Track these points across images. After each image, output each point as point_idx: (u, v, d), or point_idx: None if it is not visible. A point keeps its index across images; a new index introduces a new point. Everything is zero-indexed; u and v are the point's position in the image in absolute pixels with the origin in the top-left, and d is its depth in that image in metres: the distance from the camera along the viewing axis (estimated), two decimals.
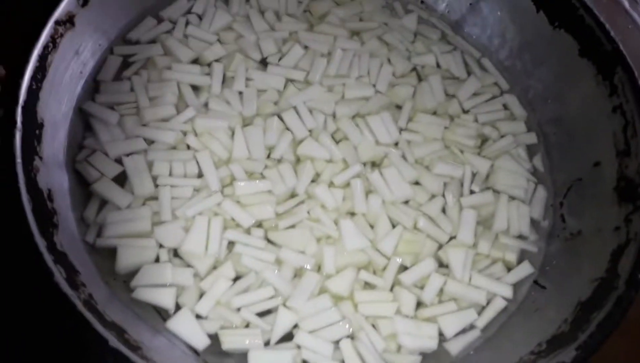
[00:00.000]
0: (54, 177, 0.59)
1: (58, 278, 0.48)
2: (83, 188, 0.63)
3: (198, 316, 0.58)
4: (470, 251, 0.67)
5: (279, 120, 0.71)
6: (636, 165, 0.64)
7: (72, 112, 0.66)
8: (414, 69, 0.81)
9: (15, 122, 0.55)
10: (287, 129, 0.71)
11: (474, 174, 0.73)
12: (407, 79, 0.80)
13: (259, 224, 0.66)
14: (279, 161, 0.70)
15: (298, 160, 0.71)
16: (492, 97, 0.81)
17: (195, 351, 0.56)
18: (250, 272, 0.62)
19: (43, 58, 0.61)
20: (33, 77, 0.59)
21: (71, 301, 0.48)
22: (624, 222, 0.62)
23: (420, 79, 0.81)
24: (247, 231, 0.64)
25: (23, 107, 0.57)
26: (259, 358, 0.57)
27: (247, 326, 0.59)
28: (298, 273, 0.63)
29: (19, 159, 0.53)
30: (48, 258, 0.49)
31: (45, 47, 0.61)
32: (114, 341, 0.47)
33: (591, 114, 0.73)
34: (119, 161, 0.65)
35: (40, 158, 0.57)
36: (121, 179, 0.64)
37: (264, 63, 0.77)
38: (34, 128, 0.58)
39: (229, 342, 0.57)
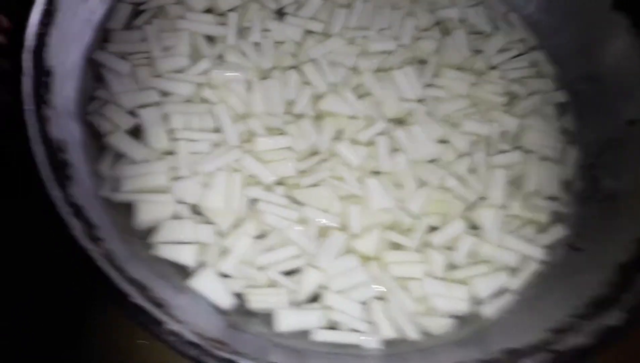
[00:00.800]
0: (65, 128, 0.55)
1: (76, 230, 0.45)
2: (96, 141, 0.59)
3: (221, 275, 0.55)
4: (501, 212, 0.64)
5: (298, 73, 0.68)
6: None
7: (82, 62, 0.62)
8: (438, 22, 0.77)
9: (23, 68, 0.51)
10: (307, 83, 0.68)
11: (502, 133, 0.70)
12: (431, 33, 0.76)
13: (280, 182, 0.62)
14: (299, 116, 0.66)
15: (319, 116, 0.67)
16: (519, 53, 0.77)
17: (220, 310, 0.54)
18: (273, 230, 0.58)
19: (49, 2, 0.56)
20: (40, 22, 0.55)
21: (89, 256, 0.44)
22: None
23: (444, 33, 0.77)
24: (268, 189, 0.61)
25: (30, 53, 0.53)
26: (286, 318, 0.54)
27: (272, 285, 0.56)
28: (322, 233, 0.60)
29: (29, 107, 0.50)
30: (65, 211, 0.46)
31: None
32: (136, 297, 0.44)
33: (625, 70, 0.69)
34: (132, 113, 0.61)
35: (51, 107, 0.53)
36: (135, 132, 0.60)
37: (280, 13, 0.73)
38: (42, 75, 0.54)
39: (255, 301, 0.54)
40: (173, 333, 0.42)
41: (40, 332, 0.57)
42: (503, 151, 0.69)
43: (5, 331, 0.55)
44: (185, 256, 0.55)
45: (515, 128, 0.71)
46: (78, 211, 0.48)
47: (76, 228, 0.45)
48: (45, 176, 0.47)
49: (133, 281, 0.46)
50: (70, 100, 0.59)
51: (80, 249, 0.45)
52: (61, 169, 0.51)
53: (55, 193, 0.47)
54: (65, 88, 0.58)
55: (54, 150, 0.51)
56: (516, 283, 0.62)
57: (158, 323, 0.43)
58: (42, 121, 0.51)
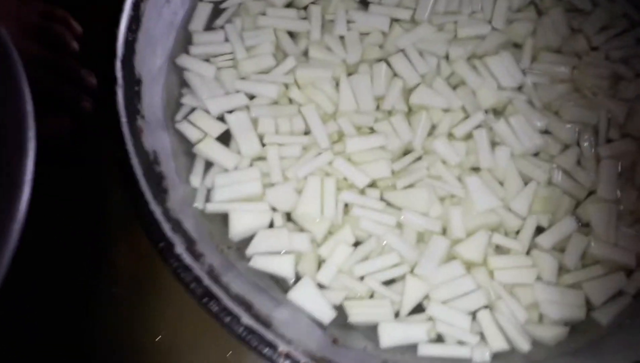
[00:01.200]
0: (157, 138, 0.54)
1: (179, 248, 0.44)
2: (185, 149, 0.58)
3: (319, 286, 0.53)
4: (614, 207, 0.59)
5: (386, 66, 0.64)
6: None
7: (166, 67, 0.61)
8: (532, 2, 0.71)
9: (115, 78, 0.50)
10: (396, 75, 0.64)
11: (609, 120, 0.64)
12: (526, 14, 0.70)
13: (373, 184, 0.59)
14: (390, 112, 0.63)
15: (411, 110, 0.63)
16: (623, 30, 0.70)
17: (320, 324, 0.51)
18: (370, 237, 0.56)
19: (136, 6, 0.55)
20: (129, 28, 0.53)
21: (196, 275, 0.43)
22: None
23: (539, 13, 0.70)
24: (362, 192, 0.58)
25: (122, 61, 0.52)
26: (390, 331, 0.51)
27: (372, 296, 0.54)
28: (422, 238, 0.57)
29: (124, 119, 0.49)
30: (166, 227, 0.45)
31: None
32: (246, 317, 0.42)
33: None
34: (220, 118, 0.59)
35: (143, 117, 0.52)
36: (225, 139, 0.59)
37: (364, 2, 0.69)
38: (133, 84, 0.53)
39: (356, 314, 0.52)
40: (288, 355, 0.40)
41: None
42: (611, 140, 0.63)
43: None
44: (282, 267, 0.53)
45: (623, 114, 0.64)
46: (178, 227, 0.47)
47: (180, 245, 0.44)
48: (145, 191, 0.46)
49: (238, 299, 0.44)
50: (158, 108, 0.58)
51: (183, 268, 0.43)
52: (158, 182, 0.49)
53: (155, 208, 0.46)
54: (154, 95, 0.57)
55: (150, 163, 0.50)
56: (633, 285, 0.56)
57: (271, 346, 0.41)
58: (136, 132, 0.50)
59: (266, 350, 0.41)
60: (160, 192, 0.49)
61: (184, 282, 0.43)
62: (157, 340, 0.57)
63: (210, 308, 0.42)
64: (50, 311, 0.57)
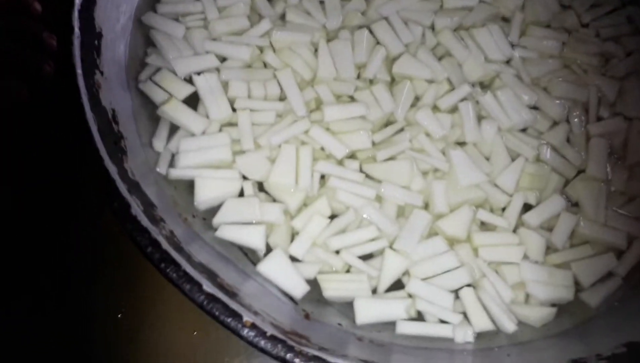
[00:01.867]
0: (117, 96, 0.50)
1: (135, 210, 0.39)
2: (149, 111, 0.53)
3: (292, 259, 0.49)
4: (603, 186, 0.56)
5: (369, 33, 0.60)
6: None
7: (132, 24, 0.56)
8: None
9: (72, 28, 0.46)
10: (379, 43, 0.60)
11: (599, 98, 0.61)
12: None
13: (353, 156, 0.56)
14: (372, 81, 0.59)
15: (393, 80, 0.60)
16: (614, 8, 0.68)
17: (292, 298, 0.47)
18: (348, 210, 0.52)
19: None
20: None
21: (154, 239, 0.39)
22: None
23: None
24: (340, 163, 0.55)
25: (80, 12, 0.47)
26: (367, 308, 0.48)
27: (348, 271, 0.50)
28: (401, 212, 0.53)
29: (79, 70, 0.44)
30: (122, 187, 0.40)
31: None
32: (208, 285, 0.38)
33: None
34: (188, 80, 0.55)
35: (102, 73, 0.48)
36: (192, 102, 0.54)
37: None
38: (92, 37, 0.48)
39: (331, 289, 0.48)
40: (254, 326, 0.36)
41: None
42: (601, 118, 0.60)
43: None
44: (252, 238, 0.49)
45: (614, 92, 0.62)
46: (135, 188, 0.43)
47: (136, 207, 0.40)
48: (100, 147, 0.42)
49: (202, 268, 0.40)
50: (120, 66, 0.53)
51: (140, 230, 0.39)
52: (115, 141, 0.45)
53: (111, 167, 0.41)
54: (116, 53, 0.53)
55: (107, 120, 0.46)
56: (623, 266, 0.54)
57: (235, 315, 0.37)
58: (93, 87, 0.45)
59: (230, 320, 0.36)
60: (118, 151, 0.44)
61: (139, 245, 0.38)
62: (119, 316, 0.53)
63: (168, 274, 0.37)
64: (13, 290, 0.53)
